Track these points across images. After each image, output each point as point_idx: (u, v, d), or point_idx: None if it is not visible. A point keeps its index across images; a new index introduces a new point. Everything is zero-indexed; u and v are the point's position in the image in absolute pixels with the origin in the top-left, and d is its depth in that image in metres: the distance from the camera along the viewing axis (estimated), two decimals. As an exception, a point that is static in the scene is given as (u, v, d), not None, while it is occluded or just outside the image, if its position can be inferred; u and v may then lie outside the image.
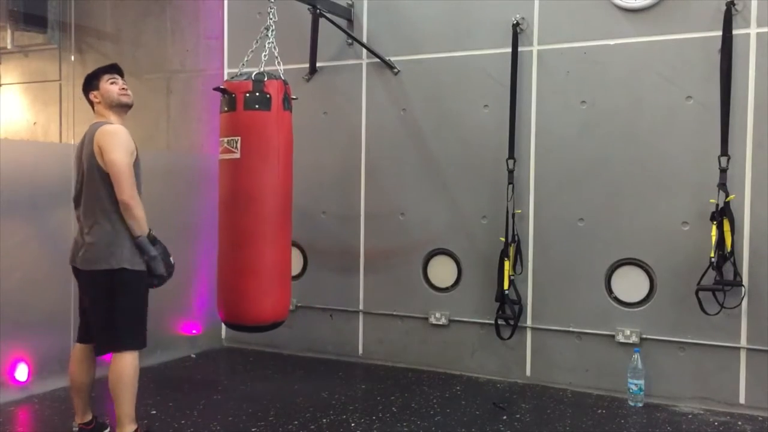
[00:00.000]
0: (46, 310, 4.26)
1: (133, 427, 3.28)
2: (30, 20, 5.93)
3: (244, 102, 3.62)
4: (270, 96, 3.65)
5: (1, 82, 6.48)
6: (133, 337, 3.31)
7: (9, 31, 6.16)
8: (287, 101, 3.76)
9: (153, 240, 3.32)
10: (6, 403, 3.99)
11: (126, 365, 3.25)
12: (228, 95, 3.67)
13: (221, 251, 3.79)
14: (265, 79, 3.65)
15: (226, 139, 3.69)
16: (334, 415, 3.97)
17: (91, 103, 3.46)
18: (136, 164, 3.34)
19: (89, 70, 3.55)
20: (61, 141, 5.82)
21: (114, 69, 3.48)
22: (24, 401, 4.07)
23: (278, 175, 3.72)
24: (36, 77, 6.28)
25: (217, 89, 3.71)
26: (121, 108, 3.43)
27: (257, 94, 3.63)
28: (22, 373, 4.13)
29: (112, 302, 3.27)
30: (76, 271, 3.38)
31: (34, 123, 6.28)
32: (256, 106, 3.63)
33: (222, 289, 3.78)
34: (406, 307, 4.96)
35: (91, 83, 3.44)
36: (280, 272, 3.77)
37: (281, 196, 3.76)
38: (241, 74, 3.76)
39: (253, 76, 3.65)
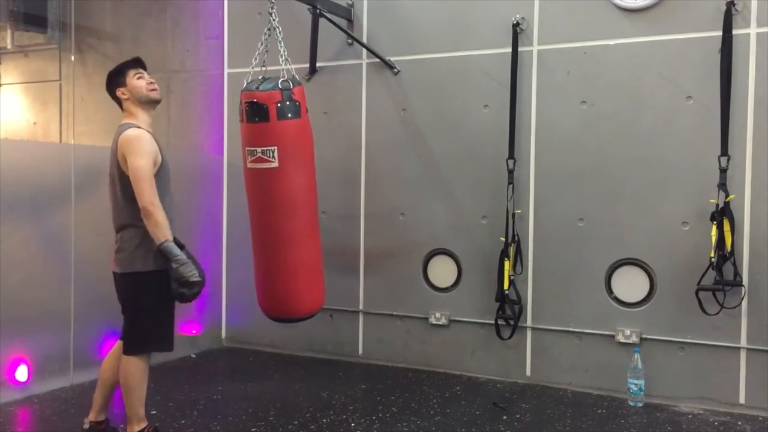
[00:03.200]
0: (46, 311, 4.26)
1: (142, 425, 3.31)
2: (30, 20, 5.93)
3: (278, 113, 3.66)
4: (299, 103, 3.72)
5: (1, 82, 6.48)
6: (151, 340, 3.33)
7: (9, 31, 6.16)
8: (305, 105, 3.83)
9: (180, 246, 3.23)
10: (6, 403, 3.99)
11: (132, 367, 3.27)
12: (259, 107, 3.67)
13: (263, 255, 3.91)
14: (292, 86, 3.69)
15: (260, 149, 3.71)
16: (334, 415, 3.97)
17: (119, 101, 3.39)
18: (163, 168, 3.30)
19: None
20: (61, 141, 5.83)
21: (139, 63, 3.42)
22: (24, 401, 4.07)
23: (311, 179, 3.90)
24: (36, 77, 6.29)
25: (248, 103, 3.68)
26: (150, 104, 3.39)
27: (288, 103, 3.67)
28: (22, 373, 4.12)
29: (137, 304, 3.29)
30: (114, 275, 3.39)
31: (34, 123, 6.28)
32: (289, 116, 3.69)
33: (269, 289, 3.92)
34: (406, 307, 4.96)
35: (116, 80, 3.37)
36: (319, 267, 4.06)
37: (314, 198, 3.98)
38: (263, 81, 3.73)
39: (280, 84, 3.67)
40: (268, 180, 3.78)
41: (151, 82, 3.38)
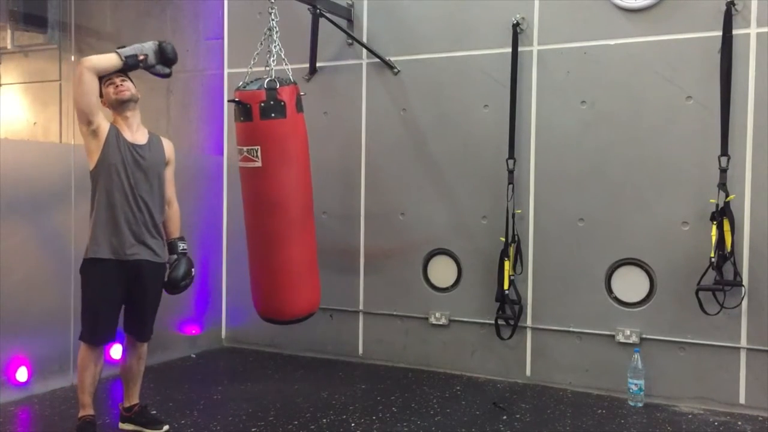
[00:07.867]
0: (46, 310, 4.26)
1: (83, 413, 3.44)
2: (30, 20, 5.92)
3: (260, 112, 3.66)
4: (284, 103, 3.70)
5: (1, 82, 6.47)
6: (82, 328, 3.44)
7: (9, 31, 6.16)
8: (299, 103, 3.81)
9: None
10: (6, 403, 3.99)
11: (79, 355, 3.44)
12: (243, 106, 3.69)
13: (252, 253, 3.93)
14: (278, 86, 3.68)
15: (245, 149, 3.74)
16: (334, 415, 3.97)
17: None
18: (105, 165, 3.37)
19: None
20: (61, 141, 5.82)
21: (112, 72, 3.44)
22: (24, 401, 4.07)
23: (299, 178, 3.86)
24: (36, 77, 6.28)
25: (231, 101, 3.75)
26: (121, 105, 3.44)
27: (272, 102, 3.67)
28: (22, 373, 4.12)
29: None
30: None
31: (34, 123, 6.28)
32: (272, 115, 3.68)
33: (257, 288, 3.95)
34: (406, 307, 4.96)
35: (100, 93, 3.46)
36: (308, 269, 3.96)
37: (303, 197, 3.91)
38: (252, 81, 3.76)
39: (265, 84, 3.67)
40: (253, 179, 3.80)
41: (118, 86, 3.41)
